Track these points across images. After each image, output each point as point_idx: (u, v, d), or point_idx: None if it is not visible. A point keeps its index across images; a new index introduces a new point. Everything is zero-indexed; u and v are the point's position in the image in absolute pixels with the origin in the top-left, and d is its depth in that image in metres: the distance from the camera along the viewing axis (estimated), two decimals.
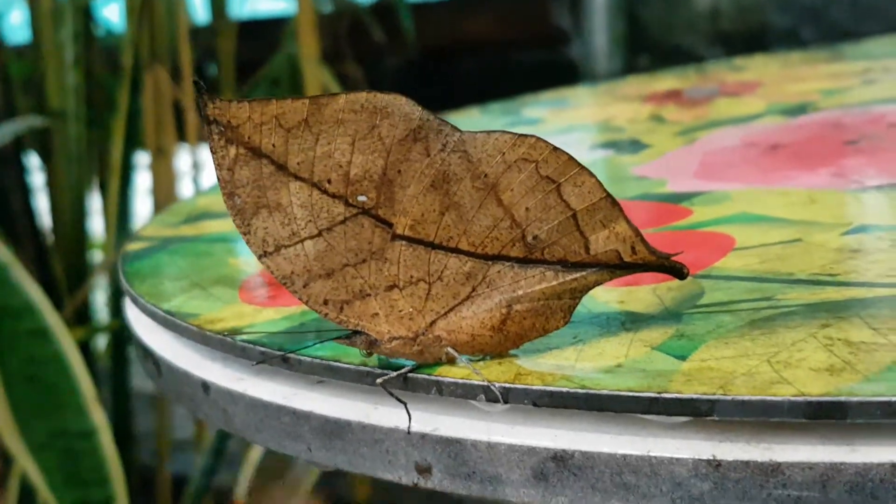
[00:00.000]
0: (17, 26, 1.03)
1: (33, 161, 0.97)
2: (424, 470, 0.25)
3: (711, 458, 0.22)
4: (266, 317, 0.31)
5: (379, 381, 0.26)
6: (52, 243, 0.93)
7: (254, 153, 0.25)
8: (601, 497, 0.23)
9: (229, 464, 0.84)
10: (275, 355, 0.28)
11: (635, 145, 0.51)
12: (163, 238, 0.43)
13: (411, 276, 0.25)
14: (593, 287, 0.26)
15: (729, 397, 0.22)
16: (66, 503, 0.66)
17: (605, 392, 0.23)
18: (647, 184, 0.42)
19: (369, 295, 0.25)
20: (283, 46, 1.07)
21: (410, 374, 0.26)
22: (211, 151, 0.25)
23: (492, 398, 0.24)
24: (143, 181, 0.93)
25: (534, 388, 0.24)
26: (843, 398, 0.21)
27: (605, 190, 0.25)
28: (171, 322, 0.32)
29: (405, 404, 0.25)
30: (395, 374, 0.26)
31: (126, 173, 0.88)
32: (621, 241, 0.25)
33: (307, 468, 0.69)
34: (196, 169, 0.99)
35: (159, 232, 0.45)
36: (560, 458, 0.24)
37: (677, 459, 0.23)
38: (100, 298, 1.04)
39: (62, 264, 0.91)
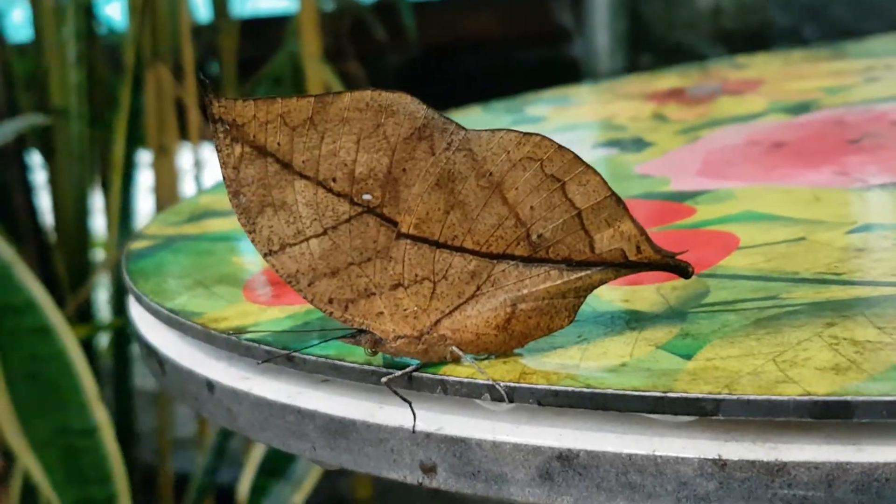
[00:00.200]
0: (20, 24, 1.03)
1: (35, 159, 0.97)
2: (429, 469, 0.25)
3: (717, 457, 0.22)
4: (270, 315, 0.31)
5: (384, 380, 0.26)
6: (54, 241, 0.93)
7: (259, 151, 0.25)
8: (606, 496, 0.23)
9: (231, 462, 0.84)
10: (280, 354, 0.28)
11: (638, 144, 0.51)
12: (166, 236, 0.43)
13: (416, 275, 0.25)
14: (598, 286, 0.26)
15: (734, 397, 0.22)
16: (68, 501, 0.66)
17: (610, 391, 0.23)
18: (650, 182, 0.42)
19: (374, 294, 0.25)
20: (285, 45, 1.07)
21: (415, 373, 0.26)
22: (216, 150, 0.25)
23: (497, 397, 0.24)
24: (145, 179, 0.93)
25: (539, 387, 0.24)
26: (848, 397, 0.21)
27: (609, 188, 0.25)
28: (176, 321, 0.32)
29: (410, 403, 0.25)
30: (399, 372, 0.26)
31: (128, 171, 0.88)
32: (626, 240, 0.25)
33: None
34: (198, 167, 0.99)
35: (162, 230, 0.45)
36: (565, 458, 0.24)
37: (683, 459, 0.22)
38: (102, 297, 1.04)
39: (64, 262, 0.91)
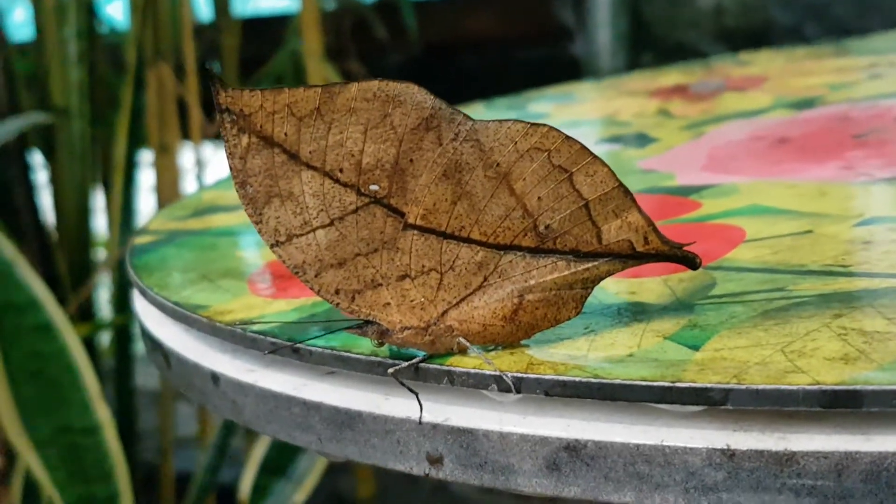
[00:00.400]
0: (21, 23, 1.03)
1: (37, 158, 0.96)
2: (436, 460, 0.25)
3: (725, 447, 0.22)
4: (276, 308, 0.31)
5: (390, 371, 0.25)
6: (55, 240, 0.93)
7: (266, 142, 0.25)
8: (614, 487, 0.23)
9: (232, 461, 0.84)
10: (285, 345, 0.28)
11: (642, 139, 0.51)
12: (170, 231, 0.43)
13: (423, 266, 0.25)
14: (605, 277, 0.26)
15: (743, 386, 0.22)
16: (70, 499, 0.66)
17: (618, 381, 0.23)
18: (655, 177, 0.42)
19: (381, 285, 0.25)
20: (286, 44, 1.07)
21: (422, 364, 0.25)
22: (223, 140, 0.25)
23: (504, 388, 0.24)
24: (146, 178, 0.93)
25: (546, 377, 0.24)
26: (858, 387, 0.21)
27: (617, 179, 0.25)
28: (181, 314, 0.32)
29: (417, 394, 0.25)
30: (406, 363, 0.25)
31: (129, 170, 0.88)
32: (634, 231, 0.25)
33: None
34: (199, 166, 0.99)
35: (166, 225, 0.45)
36: (573, 448, 0.24)
37: (691, 449, 0.22)
38: (103, 296, 1.04)
39: (66, 261, 0.91)
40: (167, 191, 0.92)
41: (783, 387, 0.22)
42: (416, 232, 0.25)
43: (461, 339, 0.25)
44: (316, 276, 0.25)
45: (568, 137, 0.25)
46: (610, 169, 0.25)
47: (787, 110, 0.53)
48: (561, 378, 0.24)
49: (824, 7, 1.11)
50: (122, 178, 0.88)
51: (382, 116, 0.24)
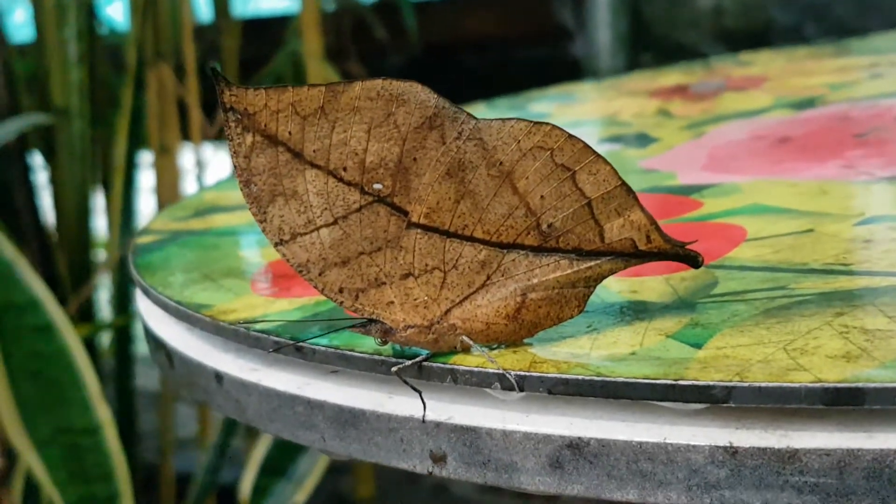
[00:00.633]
0: (21, 24, 1.03)
1: (37, 159, 0.96)
2: (439, 458, 0.25)
3: (728, 444, 0.22)
4: (279, 307, 0.31)
5: (394, 369, 0.26)
6: (55, 241, 0.93)
7: (270, 141, 0.25)
8: (617, 484, 0.23)
9: (233, 462, 0.84)
10: (289, 344, 0.28)
11: (643, 139, 0.51)
12: (172, 231, 0.43)
13: (426, 265, 0.25)
14: (608, 275, 0.26)
15: (746, 384, 0.22)
16: (70, 499, 0.66)
17: (620, 379, 0.23)
18: (656, 176, 0.42)
19: (384, 283, 0.25)
20: (286, 44, 1.07)
21: (425, 363, 0.26)
22: (227, 139, 0.25)
23: (507, 386, 0.24)
24: (146, 179, 0.93)
25: (549, 375, 0.24)
26: (859, 384, 0.21)
27: (620, 178, 0.25)
28: (184, 313, 0.32)
29: (420, 393, 0.25)
30: (409, 362, 0.26)
31: (129, 171, 0.88)
32: (636, 230, 0.25)
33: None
34: (199, 167, 0.99)
35: (168, 225, 0.45)
36: (576, 446, 0.24)
37: (694, 446, 0.23)
38: (103, 297, 1.04)
39: (66, 262, 0.91)
40: (167, 192, 0.92)
41: (785, 384, 0.22)
42: (419, 231, 0.25)
43: (464, 338, 0.26)
44: (320, 275, 0.25)
45: (571, 136, 0.25)
46: (612, 167, 0.25)
47: (787, 110, 0.53)
48: (564, 376, 0.24)
49: (824, 7, 1.12)
50: (123, 179, 0.88)
51: (386, 115, 0.24)
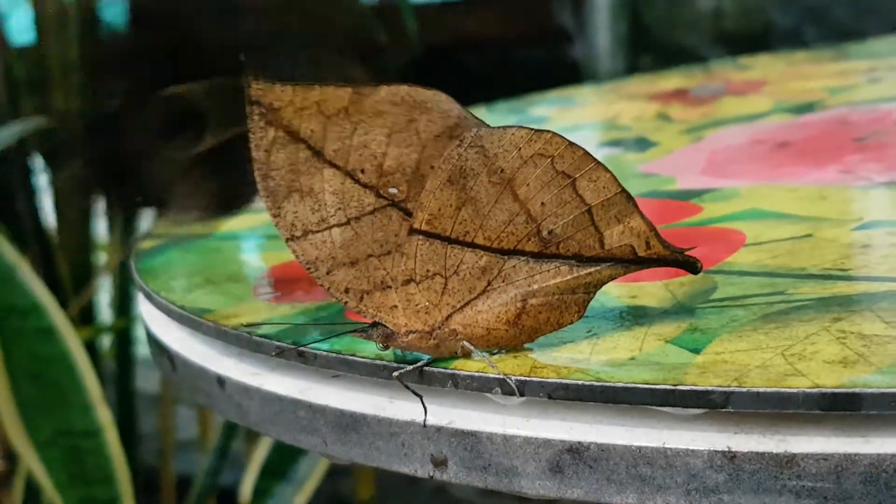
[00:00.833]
0: (22, 27, 1.03)
1: (38, 162, 0.97)
2: (440, 463, 0.26)
3: (726, 449, 0.22)
4: (281, 312, 0.31)
5: (395, 374, 0.26)
6: (56, 244, 0.93)
7: (292, 137, 0.25)
8: (616, 489, 0.24)
9: (233, 464, 0.84)
10: (291, 348, 0.28)
11: (642, 143, 0.51)
12: (174, 235, 0.44)
13: (428, 271, 0.26)
14: (607, 281, 0.26)
15: (744, 389, 0.22)
16: (70, 501, 0.66)
17: (620, 384, 0.23)
18: (655, 181, 0.42)
19: (390, 287, 0.26)
20: None
21: (426, 368, 0.26)
22: (249, 132, 0.25)
23: (508, 391, 0.24)
24: None
25: (549, 380, 0.24)
26: (857, 390, 0.21)
27: (620, 185, 0.25)
28: (186, 317, 0.32)
29: (421, 397, 0.26)
30: (410, 367, 0.26)
31: None
32: (636, 236, 0.25)
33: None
34: None
35: (170, 229, 0.45)
36: (575, 451, 0.24)
37: (692, 451, 0.23)
38: (104, 300, 1.04)
39: (67, 265, 0.91)
40: None
41: (783, 390, 0.22)
42: (421, 237, 0.25)
43: (465, 343, 0.26)
44: (327, 274, 0.26)
45: (571, 143, 0.25)
46: (612, 174, 0.25)
47: (786, 114, 0.53)
48: (564, 381, 0.24)
49: (823, 10, 1.12)
50: None
51: (408, 122, 0.25)
